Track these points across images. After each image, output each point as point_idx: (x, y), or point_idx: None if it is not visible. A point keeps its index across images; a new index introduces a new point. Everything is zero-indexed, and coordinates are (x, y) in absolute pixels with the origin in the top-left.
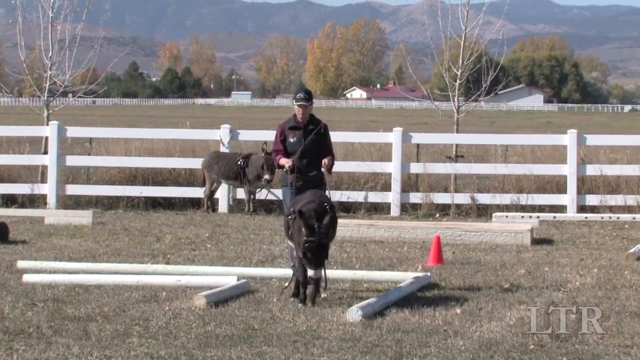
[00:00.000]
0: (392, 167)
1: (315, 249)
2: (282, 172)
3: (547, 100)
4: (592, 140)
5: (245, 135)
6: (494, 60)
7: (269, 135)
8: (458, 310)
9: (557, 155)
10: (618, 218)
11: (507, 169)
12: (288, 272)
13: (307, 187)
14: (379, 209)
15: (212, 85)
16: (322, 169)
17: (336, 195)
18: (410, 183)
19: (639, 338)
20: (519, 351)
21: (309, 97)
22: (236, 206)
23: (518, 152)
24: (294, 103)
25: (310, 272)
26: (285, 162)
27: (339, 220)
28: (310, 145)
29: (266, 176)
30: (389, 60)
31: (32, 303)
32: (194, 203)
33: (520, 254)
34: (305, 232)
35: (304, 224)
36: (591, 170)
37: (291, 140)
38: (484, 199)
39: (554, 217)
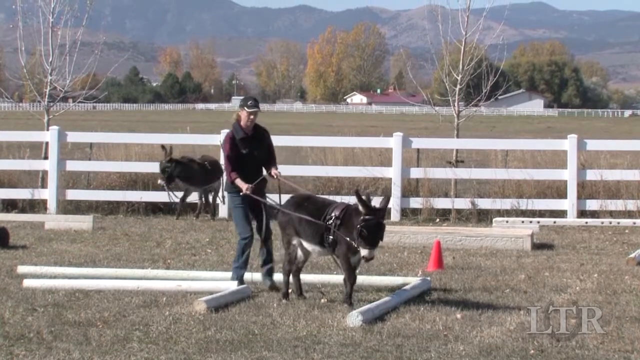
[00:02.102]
0: (393, 172)
1: (374, 227)
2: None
3: (548, 105)
4: (592, 145)
5: None
6: (494, 65)
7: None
8: (458, 315)
9: (557, 160)
10: (618, 223)
11: (507, 174)
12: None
13: (255, 192)
14: None
15: (212, 90)
16: (277, 177)
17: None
18: (410, 188)
19: (639, 343)
20: (519, 356)
21: (259, 104)
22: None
23: (518, 157)
24: (246, 110)
25: (365, 252)
26: (245, 187)
27: None
28: (261, 156)
29: (161, 182)
30: (389, 65)
31: (33, 308)
32: (195, 208)
33: (520, 259)
34: (364, 211)
35: (363, 204)
36: (591, 175)
37: (243, 151)
38: (484, 204)
39: (554, 222)
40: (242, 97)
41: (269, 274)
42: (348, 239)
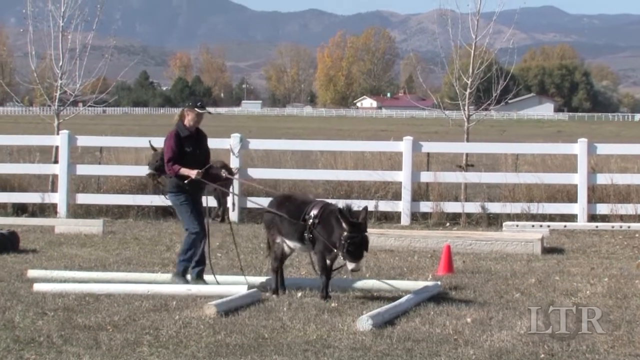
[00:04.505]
0: (403, 176)
1: (359, 243)
2: (172, 179)
3: (558, 109)
4: (603, 149)
5: (255, 144)
6: (504, 69)
7: (280, 144)
8: (468, 319)
9: (567, 164)
10: (629, 227)
11: (517, 178)
12: (298, 281)
13: (197, 191)
14: (390, 218)
15: (222, 94)
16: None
17: (348, 203)
18: (420, 192)
19: None
20: None
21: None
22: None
23: (528, 161)
24: (197, 110)
25: (352, 266)
26: (192, 173)
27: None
28: (201, 156)
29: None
30: (399, 69)
31: (43, 312)
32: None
33: (530, 263)
34: (347, 228)
35: (346, 221)
36: (602, 179)
37: (187, 149)
38: (495, 208)
39: (565, 226)
40: (193, 98)
41: (199, 275)
42: (325, 238)
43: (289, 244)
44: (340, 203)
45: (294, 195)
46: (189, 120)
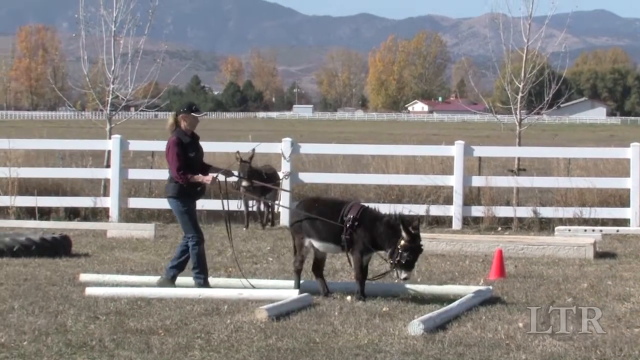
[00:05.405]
0: (454, 181)
1: (416, 253)
2: (175, 185)
3: (610, 113)
4: None
5: (306, 148)
6: (556, 73)
7: (331, 149)
8: (520, 324)
9: (620, 168)
10: None
11: (569, 182)
12: (350, 285)
13: (199, 197)
14: (441, 222)
15: (273, 99)
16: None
17: (397, 209)
18: (472, 196)
19: None
20: None
21: None
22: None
23: (581, 165)
24: (193, 115)
25: (404, 275)
26: (206, 179)
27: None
28: (200, 159)
29: (244, 183)
30: (451, 73)
31: (95, 316)
32: (256, 216)
33: (582, 268)
34: (407, 238)
35: (407, 231)
36: None
37: (191, 155)
38: (547, 212)
39: (617, 231)
40: (185, 103)
41: (174, 278)
42: (367, 240)
43: (320, 245)
44: (382, 207)
45: (321, 197)
46: (186, 125)
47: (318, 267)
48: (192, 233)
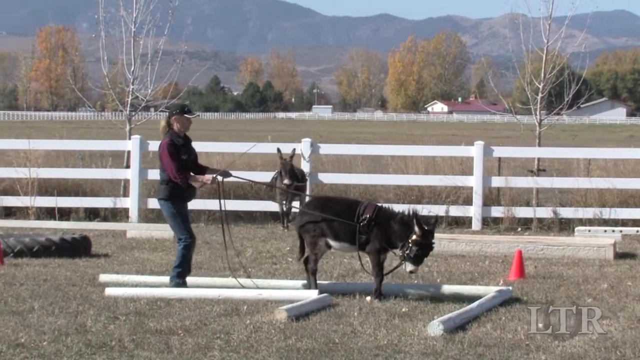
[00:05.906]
0: (474, 181)
1: (428, 249)
2: (166, 187)
3: (630, 114)
4: None
5: (326, 149)
6: (576, 73)
7: (350, 149)
8: (540, 325)
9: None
10: None
11: (589, 182)
12: (370, 285)
13: (190, 199)
14: (460, 223)
15: (293, 99)
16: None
17: (417, 209)
18: (491, 197)
19: None
20: None
21: None
22: None
23: (601, 165)
24: (186, 116)
25: (411, 267)
26: (205, 178)
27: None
28: (192, 161)
29: (285, 181)
30: (470, 74)
31: (115, 316)
32: (275, 217)
33: (602, 269)
34: (419, 233)
35: (420, 227)
36: None
37: (184, 157)
38: (566, 213)
39: (637, 231)
40: (177, 105)
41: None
42: (384, 239)
43: (335, 244)
44: (402, 208)
45: (332, 197)
46: (179, 127)
47: (308, 261)
48: (183, 235)
